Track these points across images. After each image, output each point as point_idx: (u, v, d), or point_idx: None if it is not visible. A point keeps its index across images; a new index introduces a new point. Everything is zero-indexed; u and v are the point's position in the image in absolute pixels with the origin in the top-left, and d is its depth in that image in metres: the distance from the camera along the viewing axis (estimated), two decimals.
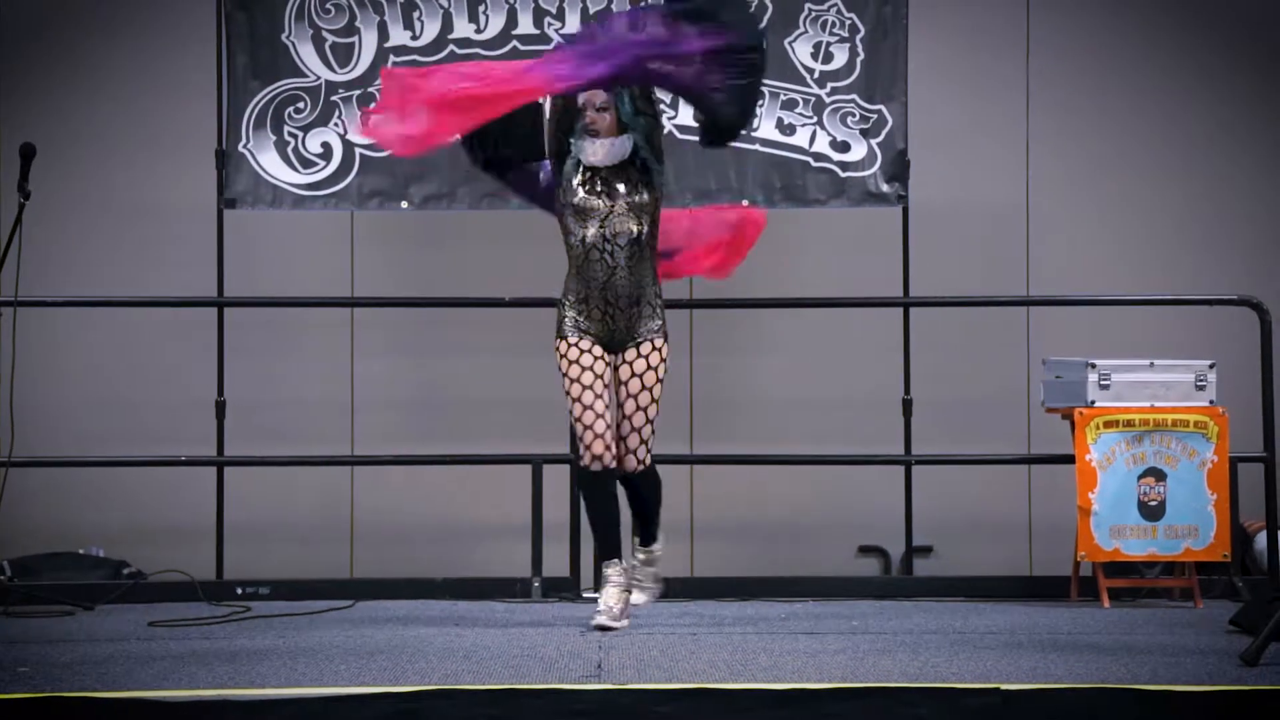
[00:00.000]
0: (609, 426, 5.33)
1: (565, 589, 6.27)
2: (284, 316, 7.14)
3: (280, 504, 7.14)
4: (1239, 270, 7.17)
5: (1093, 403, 6.08)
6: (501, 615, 5.82)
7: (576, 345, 5.37)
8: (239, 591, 6.24)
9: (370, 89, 6.61)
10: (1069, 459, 6.14)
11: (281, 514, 7.16)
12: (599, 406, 5.32)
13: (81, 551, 6.78)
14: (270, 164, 6.61)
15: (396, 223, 7.16)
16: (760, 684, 4.41)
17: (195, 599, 6.14)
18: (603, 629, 5.29)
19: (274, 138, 6.61)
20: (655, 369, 5.37)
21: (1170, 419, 6.06)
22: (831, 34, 6.67)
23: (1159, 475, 6.05)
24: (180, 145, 7.08)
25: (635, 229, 5.33)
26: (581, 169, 5.39)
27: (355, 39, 6.65)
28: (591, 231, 5.33)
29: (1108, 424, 6.05)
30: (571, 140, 5.41)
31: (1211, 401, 6.12)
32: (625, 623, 5.34)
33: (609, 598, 5.37)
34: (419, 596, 6.24)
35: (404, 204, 6.71)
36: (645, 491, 5.50)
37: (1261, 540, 6.63)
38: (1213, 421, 6.07)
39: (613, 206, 5.34)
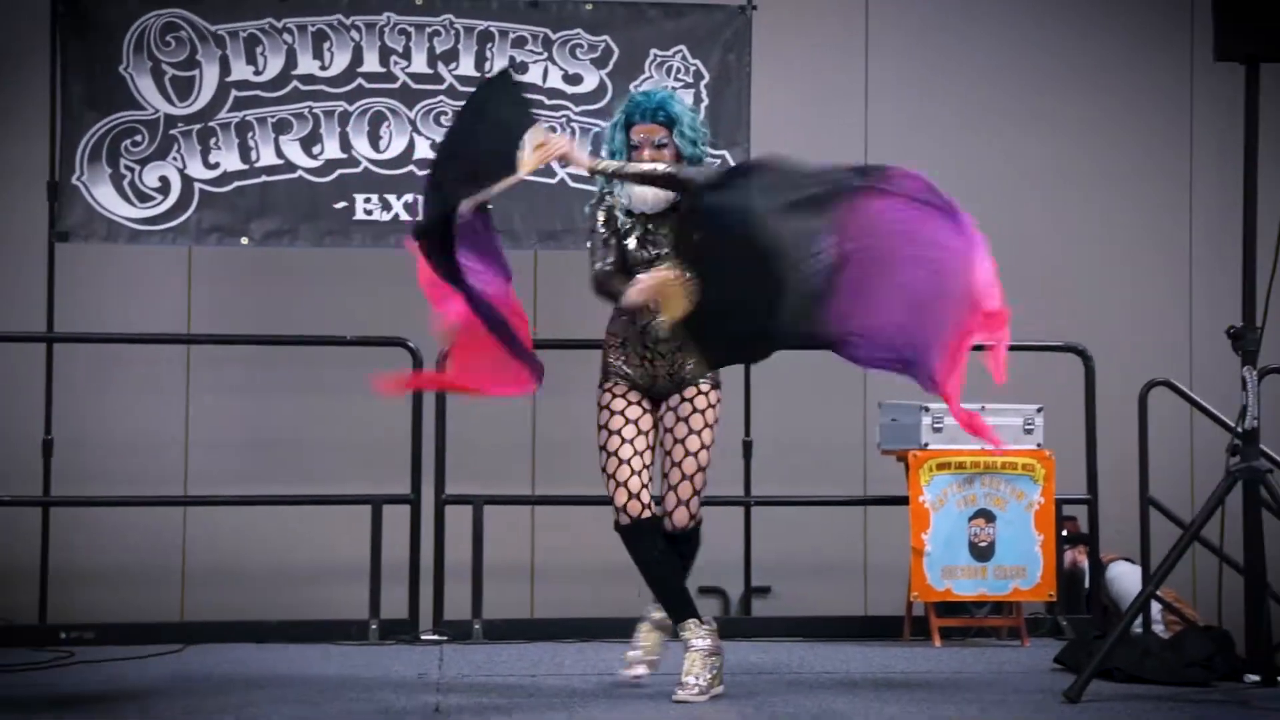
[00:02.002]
0: (644, 486, 4.77)
1: (403, 631, 6.21)
2: (116, 353, 6.99)
3: (108, 545, 6.97)
4: (1066, 317, 7.39)
5: (926, 445, 6.21)
6: (337, 658, 5.74)
7: (613, 392, 4.85)
8: (63, 636, 6.05)
9: (211, 123, 6.53)
10: (903, 500, 6.25)
11: (110, 556, 6.99)
12: (635, 463, 4.78)
13: None
14: (105, 197, 6.48)
15: (235, 258, 7.06)
16: None
17: (16, 644, 5.94)
18: (682, 702, 4.72)
19: (110, 170, 6.48)
20: (703, 412, 4.81)
21: (999, 461, 6.21)
22: (677, 79, 6.76)
23: (989, 517, 6.19)
24: (12, 177, 6.92)
25: None
26: (625, 215, 4.83)
27: (196, 72, 6.56)
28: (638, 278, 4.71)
29: (940, 466, 6.18)
30: (611, 184, 4.85)
31: (1039, 445, 6.28)
32: (705, 697, 4.75)
33: (694, 664, 4.75)
34: (253, 640, 6.11)
35: (244, 240, 6.62)
36: (686, 551, 4.89)
37: (1115, 569, 6.83)
38: (1040, 464, 6.23)
39: (658, 255, 4.76)
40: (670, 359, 4.85)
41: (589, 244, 4.92)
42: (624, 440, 4.81)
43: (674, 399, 4.86)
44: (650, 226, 4.84)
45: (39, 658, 5.70)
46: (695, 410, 4.83)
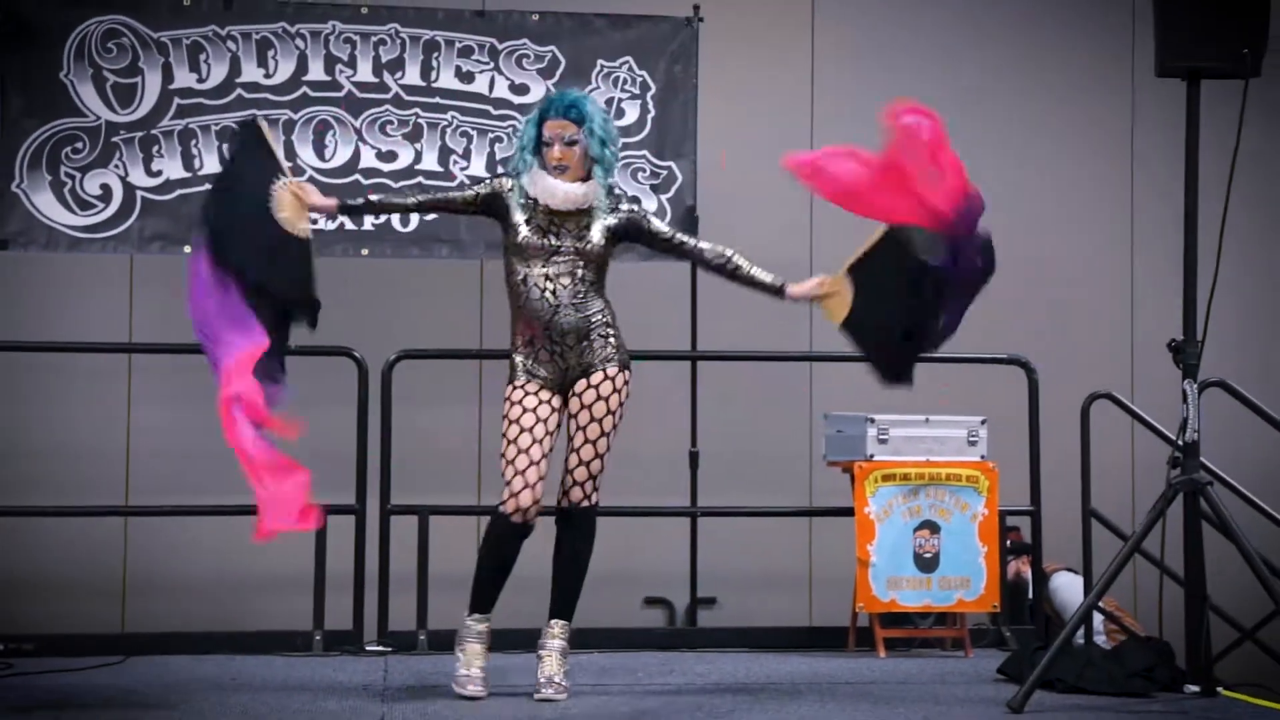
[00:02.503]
0: (541, 479, 4.88)
1: (348, 642, 6.16)
2: (57, 362, 6.91)
3: (48, 556, 6.89)
4: (1010, 329, 7.45)
5: (871, 457, 6.24)
6: (281, 670, 5.69)
7: (523, 388, 4.94)
8: (1, 647, 5.97)
9: (154, 130, 6.48)
10: (848, 512, 6.27)
11: (49, 566, 6.91)
12: (535, 453, 4.87)
13: None
14: (45, 205, 6.41)
15: (178, 266, 6.97)
16: None
17: None
18: (475, 698, 4.95)
19: (50, 178, 6.41)
20: (606, 399, 4.94)
21: (944, 473, 6.24)
22: (623, 90, 6.76)
23: (934, 528, 6.22)
24: None
25: (581, 273, 4.92)
26: (529, 204, 4.92)
27: (138, 79, 6.51)
28: (535, 270, 4.90)
29: (886, 477, 6.21)
30: (520, 172, 4.94)
31: (983, 456, 6.32)
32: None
33: (473, 660, 5.01)
34: (195, 651, 6.05)
35: (187, 248, 6.55)
36: (580, 540, 5.03)
37: (1057, 579, 6.87)
38: (984, 476, 6.27)
39: (559, 247, 4.91)
40: (577, 349, 4.96)
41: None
42: (526, 432, 4.91)
43: (580, 385, 4.98)
44: (555, 219, 4.93)
45: None
46: (600, 397, 4.96)
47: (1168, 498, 5.06)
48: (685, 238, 5.19)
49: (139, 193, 6.48)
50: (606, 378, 4.98)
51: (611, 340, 5.01)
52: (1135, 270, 7.93)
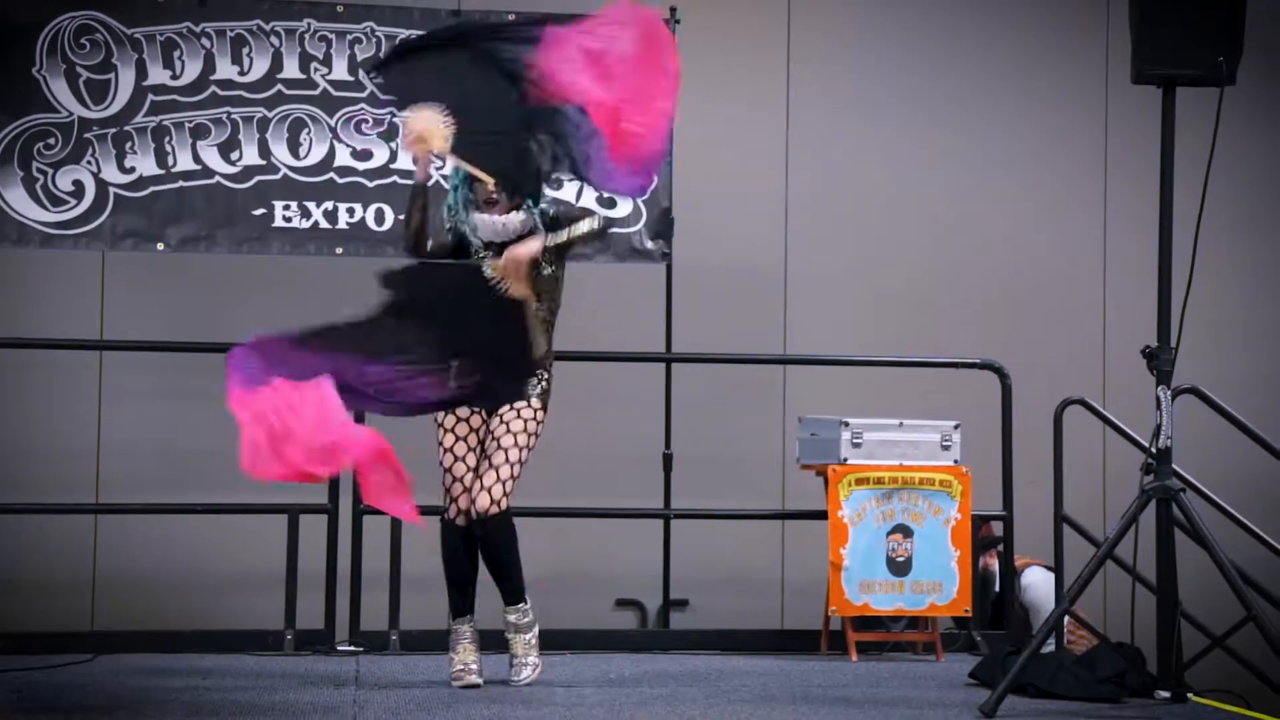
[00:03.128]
0: (467, 493, 5.12)
1: (319, 641, 6.14)
2: (28, 358, 6.87)
3: (18, 553, 6.84)
4: (983, 335, 7.47)
5: (845, 460, 6.24)
6: (252, 668, 5.67)
7: (454, 413, 5.18)
8: None
9: (127, 127, 6.44)
10: (822, 515, 6.28)
11: (18, 564, 6.87)
12: (470, 460, 5.13)
13: None
14: (17, 200, 6.37)
15: (150, 263, 6.96)
16: None
17: None
18: (471, 686, 5.15)
19: (22, 173, 6.37)
20: (523, 421, 5.12)
21: (918, 477, 6.25)
22: None
23: (906, 532, 6.23)
24: None
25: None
26: (477, 240, 5.13)
27: (112, 76, 6.47)
28: None
29: (859, 481, 6.21)
30: (458, 212, 5.14)
31: (956, 461, 6.33)
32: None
33: (466, 654, 5.22)
34: (165, 650, 6.02)
35: (160, 246, 6.53)
36: (501, 538, 5.16)
37: (1028, 575, 6.88)
38: (957, 480, 6.28)
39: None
40: None
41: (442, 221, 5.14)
42: (460, 440, 5.15)
43: (504, 408, 5.14)
44: (498, 248, 5.09)
45: None
46: (514, 418, 5.12)
47: (1140, 504, 5.08)
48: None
49: (111, 189, 6.45)
50: (527, 407, 5.16)
51: (541, 375, 5.19)
52: (1109, 276, 7.96)
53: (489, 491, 5.08)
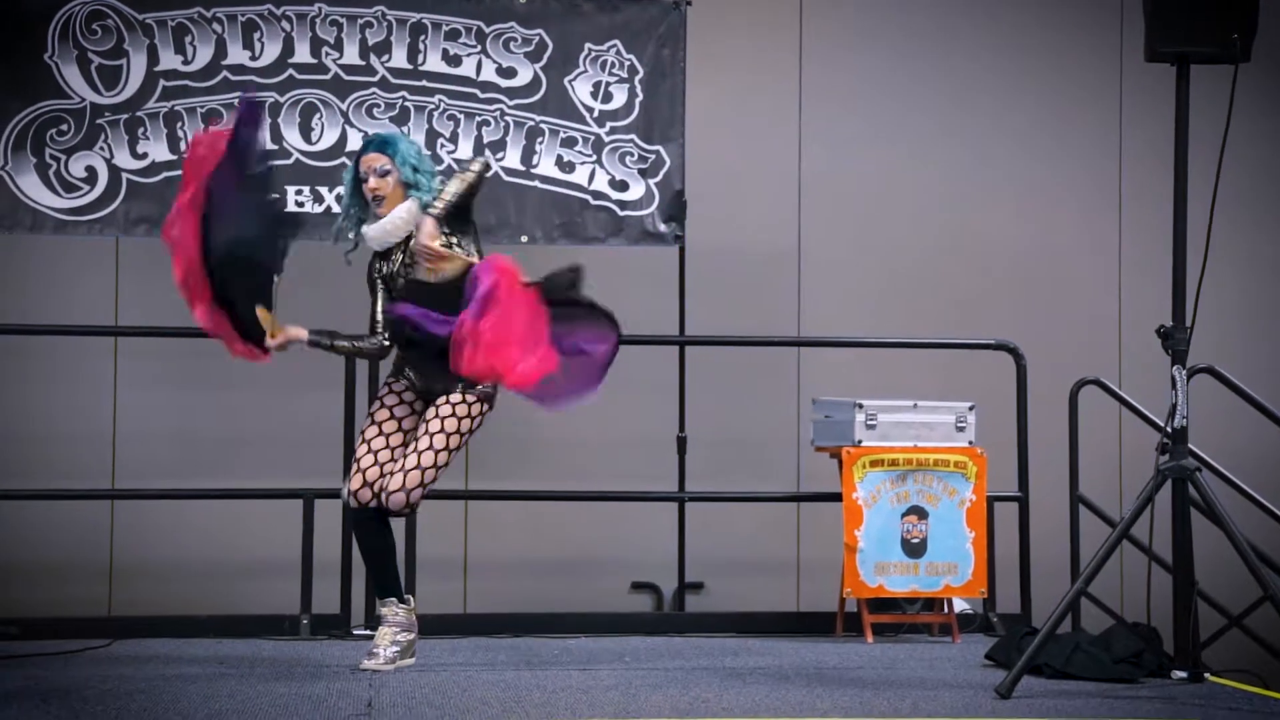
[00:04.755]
0: (381, 475, 5.10)
1: (335, 626, 6.16)
2: (43, 345, 6.89)
3: (34, 539, 6.87)
4: (997, 315, 7.45)
5: (859, 442, 6.23)
6: (269, 653, 5.68)
7: (389, 385, 5.24)
8: None
9: (139, 113, 6.45)
10: (836, 497, 6.27)
11: (35, 550, 6.89)
12: (376, 444, 5.13)
13: None
14: (30, 187, 6.38)
15: (164, 250, 6.95)
16: None
17: None
18: (367, 670, 5.15)
19: (35, 160, 6.38)
20: (443, 419, 5.09)
21: (932, 459, 6.24)
22: (611, 74, 6.74)
23: (921, 513, 6.23)
24: None
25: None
26: (384, 262, 5.22)
27: (124, 61, 6.47)
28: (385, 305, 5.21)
29: (874, 463, 6.21)
30: (345, 231, 5.23)
31: (971, 442, 6.32)
32: (392, 666, 5.18)
33: (380, 637, 5.25)
34: (182, 635, 6.04)
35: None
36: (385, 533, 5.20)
37: None
38: (971, 461, 6.27)
39: (405, 277, 5.17)
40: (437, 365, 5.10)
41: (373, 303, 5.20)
42: (375, 425, 5.15)
43: (439, 398, 5.14)
44: (394, 256, 5.19)
45: None
46: (439, 416, 5.09)
47: (1156, 484, 5.06)
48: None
49: (124, 175, 6.45)
50: (462, 400, 5.14)
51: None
52: (1124, 255, 7.93)
53: (403, 490, 5.04)
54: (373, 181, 5.16)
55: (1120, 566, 7.14)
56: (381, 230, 5.18)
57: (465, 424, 5.12)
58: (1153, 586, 5.52)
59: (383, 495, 5.08)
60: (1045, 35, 7.94)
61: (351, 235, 5.26)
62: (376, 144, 5.23)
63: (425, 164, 5.24)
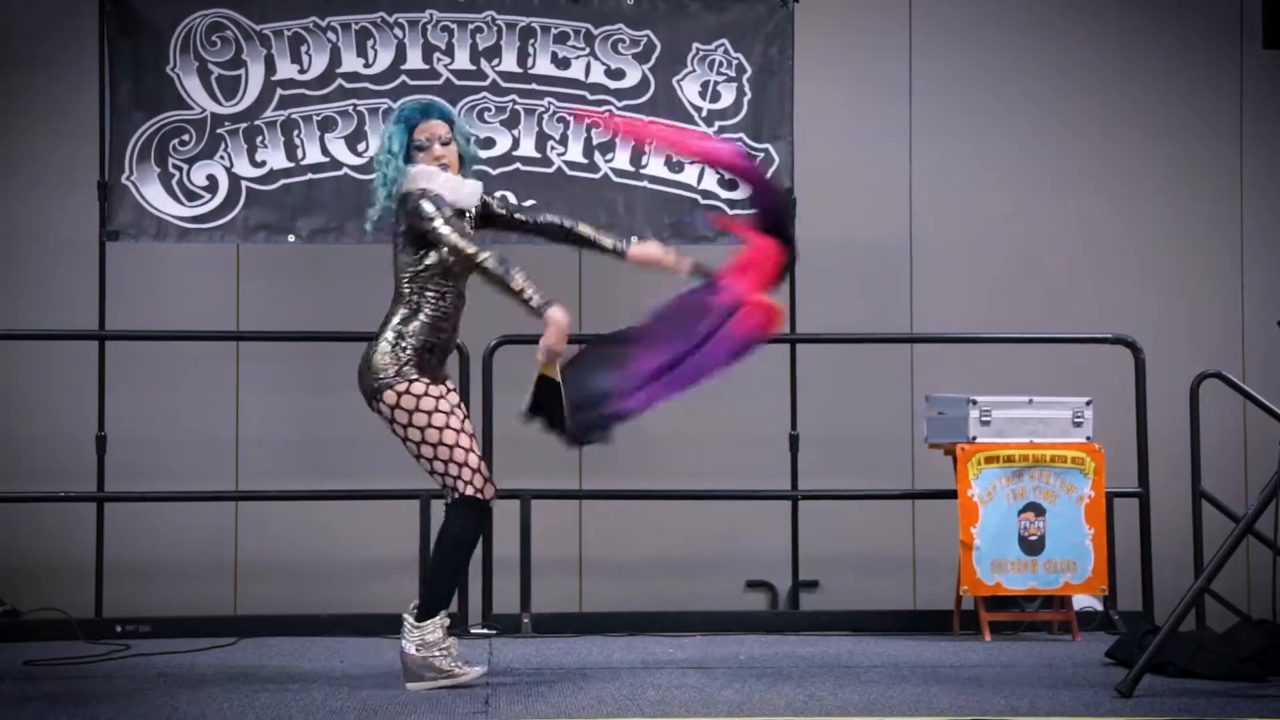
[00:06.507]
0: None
1: (452, 625, 6.20)
2: (167, 350, 7.04)
3: (162, 540, 7.02)
4: (1114, 308, 7.34)
5: (974, 439, 6.18)
6: (389, 652, 5.76)
7: (443, 388, 5.05)
8: (118, 630, 6.12)
9: (257, 121, 6.57)
10: (951, 494, 6.23)
11: (163, 551, 7.05)
12: (475, 445, 5.04)
13: None
14: (154, 196, 6.53)
15: (283, 256, 7.10)
16: (648, 719, 4.42)
17: (73, 637, 6.01)
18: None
19: (158, 170, 6.53)
20: (398, 421, 5.03)
21: (1049, 455, 6.17)
22: (719, 73, 6.75)
23: (1038, 510, 6.16)
24: (62, 177, 6.97)
25: None
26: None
27: (242, 71, 6.60)
28: (463, 280, 5.09)
29: (989, 460, 6.15)
30: (394, 180, 5.03)
31: (1088, 438, 6.24)
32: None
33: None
34: (304, 633, 6.16)
35: (291, 237, 6.66)
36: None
37: None
38: (1089, 457, 6.19)
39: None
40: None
41: (451, 231, 4.95)
42: (464, 431, 5.01)
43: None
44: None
45: (95, 651, 5.77)
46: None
47: None
48: (524, 215, 5.31)
49: (244, 183, 6.58)
50: (387, 404, 5.04)
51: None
52: (1245, 246, 7.77)
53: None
54: (437, 149, 5.05)
55: (1245, 562, 7.00)
56: (466, 189, 5.08)
57: (401, 415, 4.99)
58: (1278, 583, 5.40)
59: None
60: (1161, 25, 7.81)
61: (399, 181, 5.03)
62: (440, 111, 5.16)
63: (471, 136, 5.31)
